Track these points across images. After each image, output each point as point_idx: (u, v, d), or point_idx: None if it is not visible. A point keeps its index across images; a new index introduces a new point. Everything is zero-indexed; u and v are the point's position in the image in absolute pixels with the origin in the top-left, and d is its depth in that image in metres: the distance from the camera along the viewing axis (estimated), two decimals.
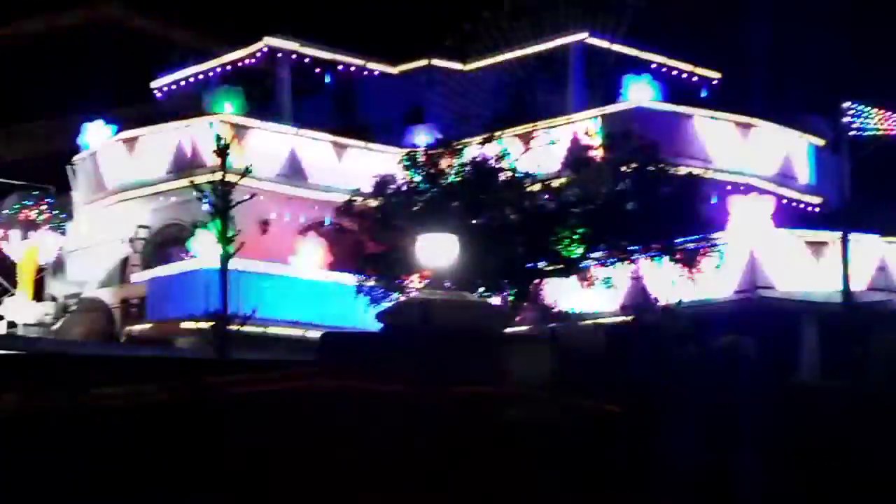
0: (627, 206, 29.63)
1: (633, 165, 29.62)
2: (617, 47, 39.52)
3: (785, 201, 37.30)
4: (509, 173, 29.89)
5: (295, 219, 37.00)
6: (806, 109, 39.43)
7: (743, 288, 31.92)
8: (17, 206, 40.33)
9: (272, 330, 33.78)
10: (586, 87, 39.00)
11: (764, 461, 19.83)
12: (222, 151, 30.79)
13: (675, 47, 41.09)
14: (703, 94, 41.22)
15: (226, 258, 29.82)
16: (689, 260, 29.08)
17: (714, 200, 34.22)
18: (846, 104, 36.74)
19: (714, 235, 30.51)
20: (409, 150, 32.09)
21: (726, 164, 36.54)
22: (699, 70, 41.44)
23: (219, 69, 40.80)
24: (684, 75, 41.13)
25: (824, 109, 38.29)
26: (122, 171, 38.16)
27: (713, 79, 41.67)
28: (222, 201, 29.86)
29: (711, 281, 29.82)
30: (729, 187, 35.94)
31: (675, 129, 35.96)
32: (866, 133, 36.88)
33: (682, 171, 31.11)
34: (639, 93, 36.94)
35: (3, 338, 37.22)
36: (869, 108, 36.67)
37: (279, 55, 39.71)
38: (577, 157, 30.23)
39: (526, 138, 30.99)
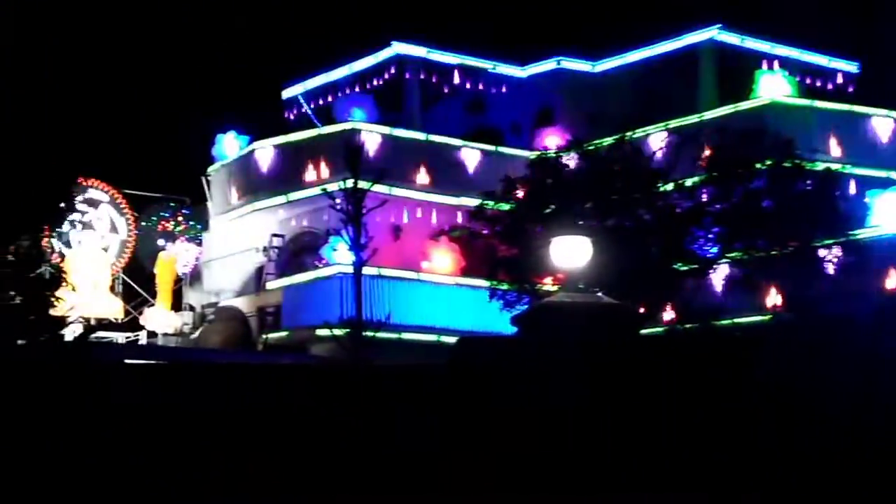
0: (763, 205, 29.08)
1: (768, 162, 29.05)
2: (749, 42, 38.91)
3: None
4: (641, 173, 29.53)
5: (427, 225, 37.03)
6: None
7: (888, 286, 31.10)
8: (154, 218, 41.05)
9: (406, 335, 33.85)
10: (718, 83, 38.44)
11: None
12: (353, 159, 30.93)
13: (810, 40, 40.33)
14: (840, 87, 40.36)
15: (359, 265, 29.96)
16: (828, 258, 28.43)
17: (853, 196, 33.41)
18: None
19: (855, 233, 29.79)
20: (539, 152, 31.91)
21: (865, 159, 35.70)
22: (835, 63, 40.61)
23: (348, 77, 41.07)
24: (820, 68, 40.33)
25: None
26: (255, 181, 38.58)
27: (851, 71, 40.80)
28: (355, 208, 30.00)
29: (854, 280, 29.09)
30: (869, 182, 35.09)
31: (810, 125, 35.22)
32: None
33: (820, 167, 30.44)
34: (772, 88, 36.26)
35: (144, 347, 37.92)
36: None
37: (407, 61, 39.83)
38: (710, 155, 29.74)
39: (657, 138, 30.56)
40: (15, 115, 21.44)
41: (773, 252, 28.67)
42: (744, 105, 35.80)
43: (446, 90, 40.87)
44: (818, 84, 40.10)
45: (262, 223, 38.45)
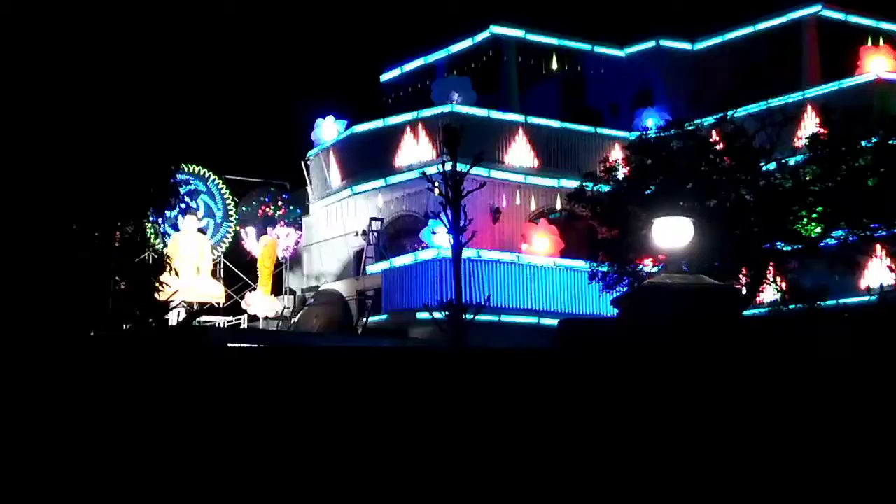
0: (869, 183, 28.55)
1: (874, 140, 28.52)
2: (853, 18, 38.24)
3: None
4: (743, 152, 29.15)
5: (526, 207, 36.94)
6: None
7: None
8: (255, 203, 41.40)
9: (506, 318, 33.83)
10: (821, 60, 37.84)
11: None
12: (452, 141, 30.94)
13: None
14: None
15: (458, 248, 29.97)
16: None
17: None
18: None
19: None
20: (639, 133, 31.65)
21: None
22: None
23: (445, 59, 41.05)
24: None
25: None
26: (354, 165, 38.75)
27: None
28: (453, 191, 30.01)
29: None
30: None
31: None
32: None
33: None
34: (878, 64, 35.60)
35: (246, 331, 38.27)
36: None
37: (505, 43, 39.72)
38: (814, 133, 29.26)
39: (760, 116, 30.13)
40: (117, 100, 21.71)
41: (880, 232, 28.16)
42: (848, 82, 35.20)
43: (544, 71, 40.70)
44: None
45: (362, 207, 38.61)
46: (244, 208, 41.45)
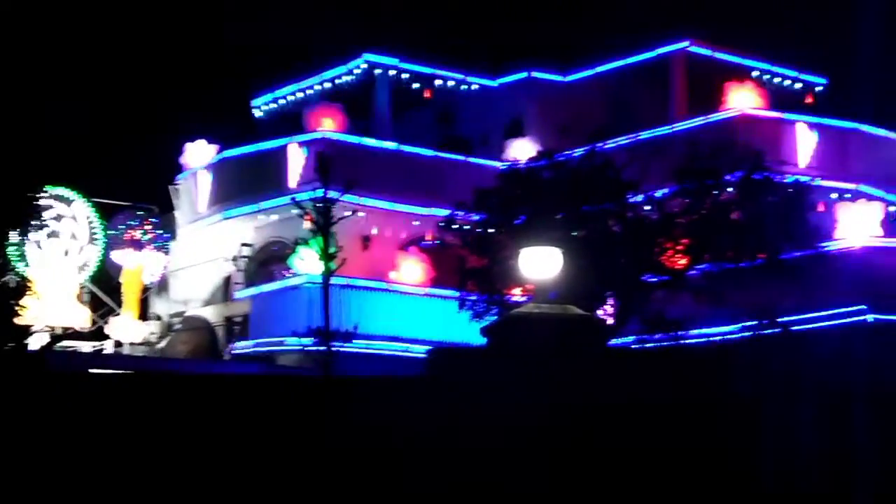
0: (732, 216, 29.07)
1: (738, 174, 29.06)
2: (719, 54, 38.98)
3: (894, 208, 36.55)
4: (612, 184, 29.49)
5: (396, 234, 36.92)
6: None
7: (855, 298, 31.15)
8: (122, 227, 40.78)
9: (375, 346, 33.72)
10: (689, 95, 38.49)
11: None
12: (323, 168, 30.81)
13: (780, 53, 40.46)
14: (809, 99, 40.51)
15: (328, 275, 29.82)
16: (797, 270, 28.43)
17: (821, 208, 33.49)
18: None
19: (824, 245, 29.82)
20: (509, 162, 31.86)
21: (833, 171, 35.80)
22: (804, 76, 40.74)
23: (318, 86, 40.93)
24: (789, 81, 40.48)
25: None
26: (223, 190, 38.39)
27: (820, 83, 40.95)
28: (324, 218, 29.87)
29: (822, 291, 29.12)
30: (836, 195, 35.20)
31: (779, 137, 35.31)
32: None
33: (789, 179, 30.46)
34: (742, 100, 36.33)
35: (109, 357, 37.62)
36: None
37: (378, 71, 39.73)
38: (680, 167, 29.71)
39: (629, 148, 30.53)
40: None
41: (742, 264, 28.66)
42: (714, 117, 35.86)
43: (417, 100, 40.77)
44: (788, 96, 40.23)
45: (231, 232, 38.25)
46: (111, 232, 40.80)
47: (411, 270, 35.86)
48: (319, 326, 29.63)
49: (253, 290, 35.81)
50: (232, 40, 51.48)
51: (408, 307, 34.98)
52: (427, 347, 27.45)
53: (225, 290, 38.46)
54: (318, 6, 51.12)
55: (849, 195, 35.26)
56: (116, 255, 40.35)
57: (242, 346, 34.95)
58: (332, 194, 30.36)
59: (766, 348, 27.23)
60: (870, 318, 30.91)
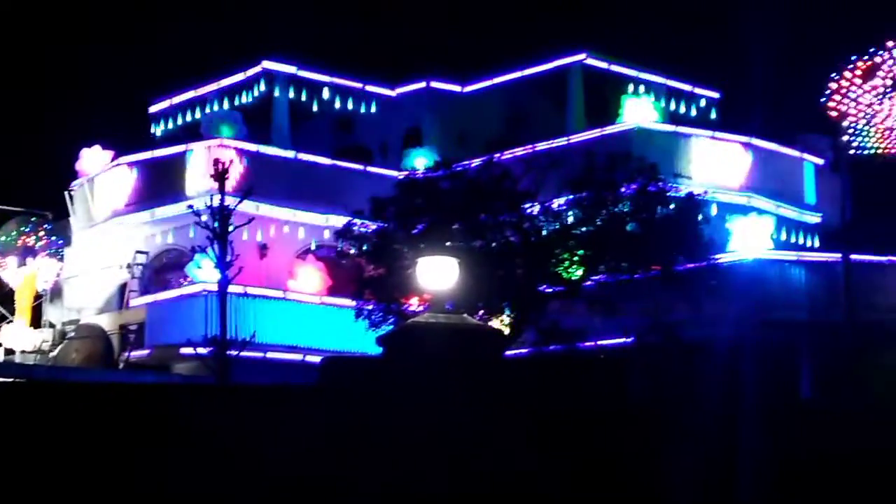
0: (628, 228, 29.44)
1: (633, 186, 29.44)
2: (616, 67, 39.43)
3: (785, 221, 37.23)
4: (509, 195, 29.71)
5: (294, 243, 36.83)
6: (806, 128, 39.32)
7: (744, 309, 31.70)
8: (14, 233, 40.21)
9: (271, 355, 33.59)
10: (586, 107, 38.89)
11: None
12: (220, 176, 30.68)
13: (676, 67, 41.06)
14: (703, 113, 41.12)
15: (224, 283, 29.69)
16: (690, 282, 28.86)
17: (714, 221, 33.99)
18: (846, 122, 36.62)
19: (716, 257, 30.31)
20: (407, 172, 31.95)
21: (726, 184, 36.39)
22: (699, 89, 41.35)
23: (216, 93, 40.70)
24: (684, 95, 41.05)
25: (824, 128, 38.17)
26: (119, 197, 38.02)
27: (714, 98, 41.59)
28: (221, 226, 29.74)
29: (713, 303, 29.58)
30: (729, 208, 35.76)
31: (674, 150, 35.82)
32: (865, 152, 36.76)
33: (683, 191, 30.92)
34: (638, 113, 36.79)
35: (1, 365, 37.07)
36: (868, 127, 36.57)
37: (276, 78, 39.60)
38: (576, 178, 30.03)
39: (526, 159, 30.78)
40: None
41: (637, 275, 29.03)
42: (610, 129, 36.26)
43: (316, 108, 40.71)
44: (683, 110, 40.81)
45: (126, 239, 37.88)
46: (3, 238, 40.19)
47: (309, 279, 35.81)
48: (216, 335, 29.50)
49: (148, 298, 35.51)
50: (130, 44, 51.06)
51: (305, 316, 34.91)
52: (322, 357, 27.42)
53: (120, 298, 38.08)
54: (218, 14, 50.84)
55: (742, 208, 35.85)
56: (9, 262, 39.77)
57: (137, 355, 34.64)
58: (229, 202, 30.25)
59: (658, 358, 27.66)
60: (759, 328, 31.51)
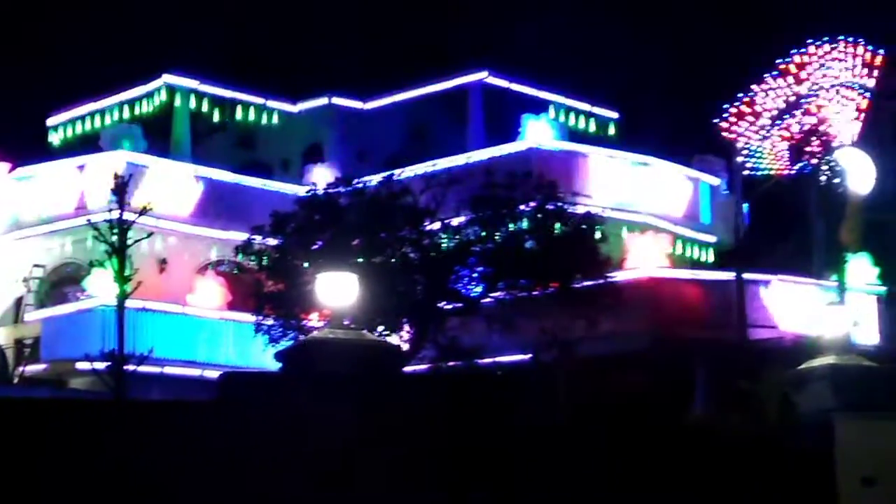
0: (526, 246, 29.76)
1: (532, 204, 29.77)
2: (516, 86, 39.81)
3: (681, 240, 37.81)
4: (409, 212, 29.90)
5: (193, 258, 36.68)
6: (702, 149, 39.99)
7: (640, 326, 32.15)
8: None
9: (169, 370, 33.39)
10: (486, 125, 39.21)
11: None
12: (120, 189, 30.48)
13: (576, 87, 41.56)
14: (602, 132, 41.65)
15: (122, 298, 29.47)
16: (587, 299, 29.23)
17: (612, 239, 34.46)
18: (741, 144, 37.34)
19: (613, 275, 30.72)
20: (308, 188, 32.02)
21: (624, 203, 36.88)
22: (598, 109, 41.88)
23: (116, 105, 40.40)
24: (583, 115, 41.56)
25: (720, 149, 38.89)
26: (16, 209, 37.59)
27: (612, 118, 42.13)
28: (119, 240, 29.53)
29: (610, 320, 29.97)
30: (627, 226, 36.25)
31: (573, 169, 36.23)
32: (759, 173, 37.53)
33: (581, 210, 31.33)
34: (538, 132, 37.18)
35: None
36: (761, 149, 37.34)
37: (177, 92, 39.43)
38: (477, 195, 30.30)
39: (426, 177, 31.01)
40: None
41: (535, 292, 29.34)
42: (510, 147, 36.57)
43: (217, 123, 40.60)
44: (581, 129, 41.29)
45: (23, 252, 37.44)
46: None
47: (208, 294, 35.66)
48: (113, 349, 29.26)
49: (45, 312, 35.12)
50: (30, 55, 50.51)
51: (204, 331, 34.75)
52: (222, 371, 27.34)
53: (16, 312, 37.60)
54: (119, 28, 50.47)
55: (639, 227, 36.32)
56: None
57: (33, 369, 34.22)
58: (128, 216, 30.06)
59: (556, 374, 27.97)
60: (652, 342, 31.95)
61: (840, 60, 36.94)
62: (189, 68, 39.75)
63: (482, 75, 39.43)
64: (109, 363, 28.87)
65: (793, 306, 33.74)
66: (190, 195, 36.89)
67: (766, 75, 37.12)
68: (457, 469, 19.62)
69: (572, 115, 41.17)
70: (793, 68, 36.89)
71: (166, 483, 17.46)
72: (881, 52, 37.05)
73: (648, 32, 47.83)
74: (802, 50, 37.03)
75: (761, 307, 33.31)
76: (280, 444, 18.08)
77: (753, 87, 37.10)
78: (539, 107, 39.61)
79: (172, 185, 36.57)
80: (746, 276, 32.64)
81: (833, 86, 36.83)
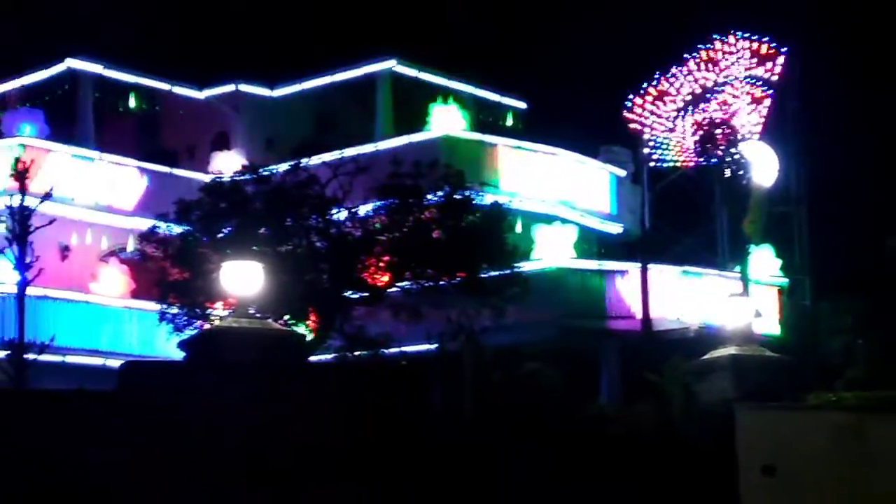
0: (434, 235, 29.75)
1: (440, 194, 29.77)
2: (425, 75, 39.78)
3: (588, 231, 38.06)
4: (316, 200, 29.76)
5: (97, 245, 36.23)
6: (609, 140, 40.26)
7: (547, 316, 32.33)
8: None
9: (71, 359, 32.95)
10: (395, 114, 39.13)
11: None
12: (21, 175, 30.03)
13: (485, 77, 41.60)
14: (511, 123, 41.78)
15: (23, 285, 29.05)
16: (494, 289, 29.31)
17: (519, 229, 34.61)
18: (647, 136, 37.66)
19: (519, 264, 30.82)
20: (214, 175, 31.75)
21: (531, 193, 37.02)
22: (506, 99, 41.98)
23: (18, 90, 39.75)
24: (492, 105, 41.63)
25: (626, 140, 39.19)
26: None
27: (520, 108, 42.26)
28: (20, 227, 29.09)
29: (517, 310, 30.07)
30: (534, 217, 36.40)
31: (480, 158, 36.29)
32: (665, 164, 37.87)
33: (488, 200, 31.38)
34: (446, 121, 37.18)
35: None
36: (667, 140, 37.68)
37: (81, 77, 38.87)
38: (384, 184, 30.23)
39: (333, 165, 30.87)
40: None
41: (442, 282, 29.36)
42: (417, 137, 36.54)
43: (122, 109, 40.10)
44: (490, 119, 41.38)
45: None
46: None
47: (112, 282, 35.26)
48: (13, 338, 28.84)
49: None
50: None
51: (107, 319, 34.35)
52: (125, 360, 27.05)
53: None
54: (21, 11, 49.65)
55: (545, 217, 36.49)
56: None
57: None
58: (28, 202, 29.61)
59: (462, 365, 27.98)
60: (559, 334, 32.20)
61: (744, 56, 37.37)
62: (93, 53, 39.21)
63: (390, 64, 39.32)
64: (9, 352, 28.48)
65: (697, 297, 34.18)
66: (93, 182, 36.41)
67: (672, 68, 37.46)
68: (362, 459, 19.56)
69: (481, 105, 41.20)
70: (692, 65, 37.25)
71: (67, 473, 17.23)
72: (784, 47, 37.53)
73: (557, 24, 48.08)
74: (708, 46, 37.41)
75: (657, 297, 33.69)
76: (182, 434, 17.91)
77: (659, 79, 37.42)
78: (448, 96, 39.61)
79: (76, 172, 36.08)
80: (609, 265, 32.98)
81: (737, 79, 37.24)
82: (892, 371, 27.91)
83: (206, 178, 32.94)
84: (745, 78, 37.17)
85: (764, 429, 22.25)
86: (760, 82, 37.33)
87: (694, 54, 37.41)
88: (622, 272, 33.98)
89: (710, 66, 37.29)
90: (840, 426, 22.37)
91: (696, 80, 37.29)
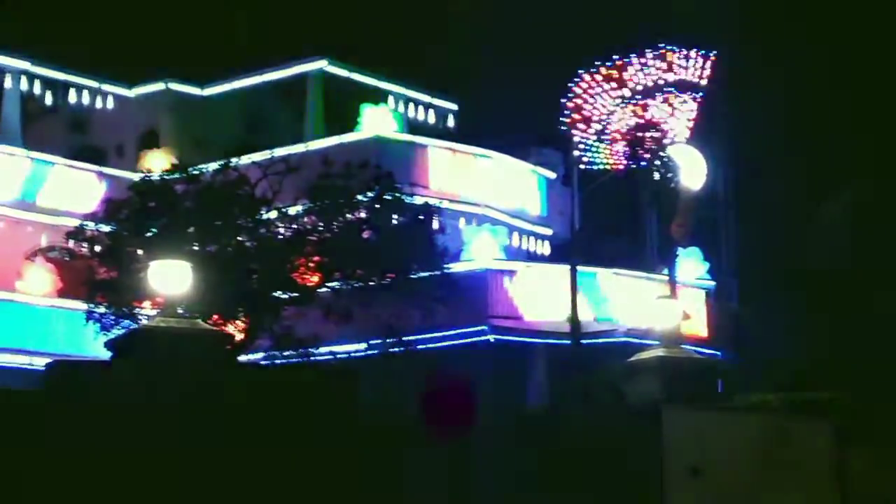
0: (364, 236, 29.74)
1: (370, 195, 29.77)
2: (356, 76, 39.75)
3: (517, 233, 38.19)
4: (245, 200, 29.64)
5: (22, 243, 35.84)
6: (539, 142, 40.42)
7: (476, 319, 32.41)
8: None
9: None
10: (325, 115, 39.06)
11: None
12: None
13: (415, 78, 41.62)
14: (442, 124, 41.83)
15: None
16: (423, 291, 29.35)
17: (449, 231, 34.65)
18: (577, 137, 37.81)
19: (449, 266, 30.88)
20: (143, 174, 31.54)
21: (461, 195, 37.11)
22: (437, 101, 42.03)
23: None
24: (423, 105, 41.67)
25: (556, 142, 39.33)
26: None
27: (451, 109, 42.32)
28: None
29: (446, 313, 30.13)
30: (464, 218, 36.50)
31: (411, 159, 36.33)
32: (595, 167, 38.04)
33: (418, 201, 31.42)
34: (377, 122, 37.17)
35: None
36: (598, 143, 37.85)
37: (7, 73, 38.46)
38: (314, 184, 30.17)
39: (263, 165, 30.75)
40: None
41: (371, 283, 29.36)
42: (348, 137, 36.51)
43: (49, 106, 39.70)
44: (421, 120, 41.41)
45: None
46: None
47: (37, 280, 34.91)
48: None
49: None
50: None
51: (32, 318, 34.00)
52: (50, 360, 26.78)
53: None
54: None
55: (476, 218, 36.60)
56: None
57: None
58: None
59: (391, 366, 28.03)
60: (491, 338, 32.31)
61: (673, 61, 37.58)
62: (20, 49, 38.78)
63: (321, 63, 39.26)
64: None
65: (626, 299, 34.41)
66: (19, 179, 36.03)
67: (600, 70, 37.59)
68: (290, 462, 19.50)
69: (412, 106, 41.24)
70: (615, 73, 37.43)
71: None
72: (713, 52, 37.81)
73: (490, 23, 48.13)
74: (639, 50, 37.60)
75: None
76: (108, 435, 17.77)
77: (589, 81, 37.54)
78: (379, 97, 39.62)
79: (3, 169, 35.69)
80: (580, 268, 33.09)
81: (667, 84, 37.47)
82: (817, 373, 28.26)
83: (135, 177, 32.65)
84: (673, 83, 37.40)
85: (690, 430, 22.39)
86: (688, 87, 37.57)
87: (623, 57, 37.54)
88: (510, 272, 33.95)
89: (636, 68, 37.40)
90: (764, 428, 22.57)
91: (624, 84, 37.44)
